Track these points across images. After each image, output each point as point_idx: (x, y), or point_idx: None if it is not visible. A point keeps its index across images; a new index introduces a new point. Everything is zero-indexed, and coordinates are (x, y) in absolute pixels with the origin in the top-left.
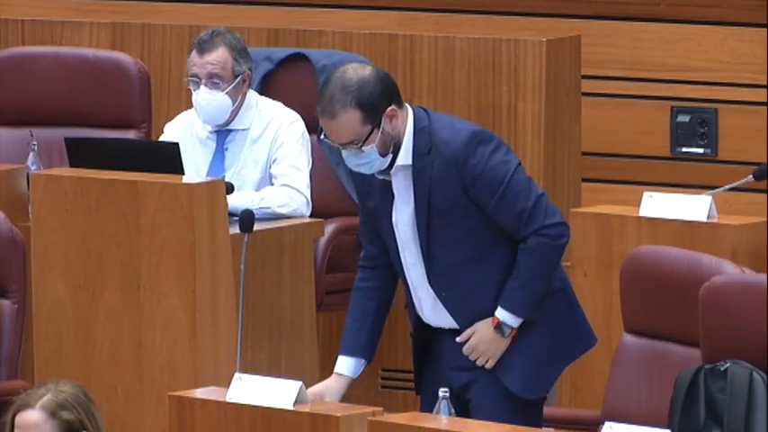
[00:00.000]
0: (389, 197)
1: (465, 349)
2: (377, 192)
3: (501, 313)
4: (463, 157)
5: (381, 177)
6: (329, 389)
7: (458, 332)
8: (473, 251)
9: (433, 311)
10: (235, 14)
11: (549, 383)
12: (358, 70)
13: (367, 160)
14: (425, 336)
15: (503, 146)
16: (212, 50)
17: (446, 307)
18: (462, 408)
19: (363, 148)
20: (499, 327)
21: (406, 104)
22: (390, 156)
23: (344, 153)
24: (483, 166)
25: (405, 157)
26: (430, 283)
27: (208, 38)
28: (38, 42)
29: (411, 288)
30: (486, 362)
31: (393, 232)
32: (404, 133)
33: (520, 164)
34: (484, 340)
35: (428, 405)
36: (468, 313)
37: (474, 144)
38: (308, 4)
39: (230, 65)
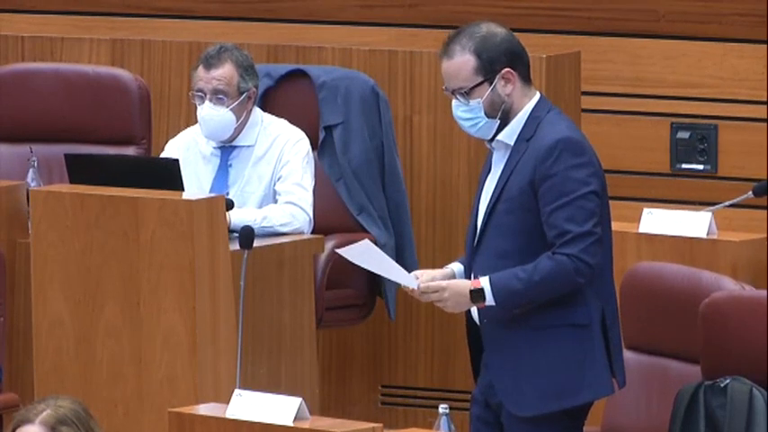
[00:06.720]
0: (488, 169)
1: (432, 285)
2: (487, 163)
3: (486, 283)
4: (544, 155)
5: (488, 146)
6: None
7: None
8: (517, 247)
9: None
10: (234, 31)
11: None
12: (491, 25)
13: (472, 116)
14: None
15: (590, 167)
16: (219, 66)
17: None
18: (499, 426)
19: (470, 100)
20: (476, 291)
21: (536, 89)
22: (497, 122)
23: (454, 103)
24: (556, 171)
25: (509, 135)
26: (473, 261)
27: (215, 53)
28: (38, 59)
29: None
30: (440, 304)
31: (478, 202)
32: (518, 109)
33: (597, 194)
34: (454, 289)
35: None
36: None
37: (560, 148)
38: (308, 21)
39: (236, 81)
